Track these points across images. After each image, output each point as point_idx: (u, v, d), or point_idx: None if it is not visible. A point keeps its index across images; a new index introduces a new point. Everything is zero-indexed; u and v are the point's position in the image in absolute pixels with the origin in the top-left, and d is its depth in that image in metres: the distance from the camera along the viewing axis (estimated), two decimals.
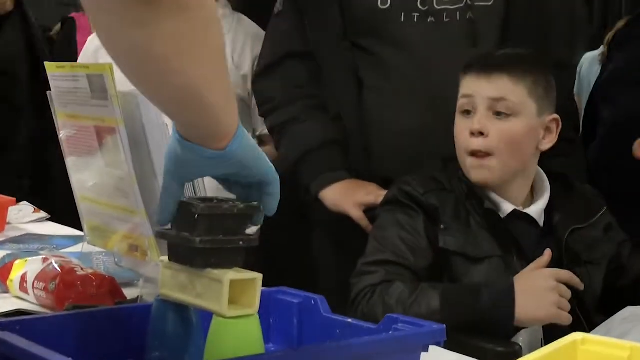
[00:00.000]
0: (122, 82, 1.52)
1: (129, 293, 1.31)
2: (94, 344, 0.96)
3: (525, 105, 1.55)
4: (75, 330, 0.95)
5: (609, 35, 2.57)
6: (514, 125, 1.54)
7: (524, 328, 1.46)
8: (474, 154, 1.55)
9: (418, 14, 1.76)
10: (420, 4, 1.76)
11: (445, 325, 0.98)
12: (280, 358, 0.92)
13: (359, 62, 1.82)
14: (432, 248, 1.54)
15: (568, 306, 1.43)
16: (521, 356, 0.82)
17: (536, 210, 1.59)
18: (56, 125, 1.33)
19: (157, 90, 0.83)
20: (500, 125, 1.53)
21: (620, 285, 1.62)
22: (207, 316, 0.92)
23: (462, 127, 1.57)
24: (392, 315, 1.01)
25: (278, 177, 0.93)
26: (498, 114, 1.54)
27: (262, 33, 2.06)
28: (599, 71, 2.53)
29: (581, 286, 1.49)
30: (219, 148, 0.86)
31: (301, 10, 1.87)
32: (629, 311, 1.42)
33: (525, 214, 1.58)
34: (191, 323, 0.94)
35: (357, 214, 1.77)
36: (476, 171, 1.55)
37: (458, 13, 1.75)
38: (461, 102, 1.58)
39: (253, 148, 0.91)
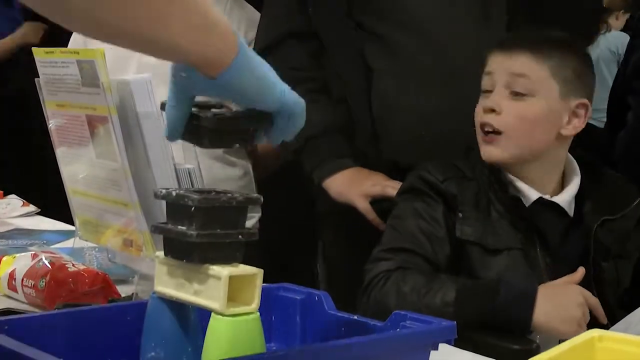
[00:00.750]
0: (114, 69, 1.48)
1: (123, 290, 1.30)
2: (87, 345, 0.94)
3: (546, 85, 1.52)
4: (66, 330, 0.93)
5: (633, 24, 2.55)
6: (529, 105, 1.51)
7: None
8: (485, 131, 1.53)
9: None
10: None
11: (455, 323, 0.95)
12: (281, 358, 0.89)
13: (364, 43, 1.78)
14: (451, 238, 1.52)
15: (585, 327, 1.39)
16: (537, 354, 0.79)
17: (564, 199, 1.55)
18: (45, 115, 1.30)
19: (115, 36, 0.82)
20: (515, 104, 1.52)
21: None
22: (205, 314, 0.89)
23: (479, 106, 1.57)
24: (400, 312, 0.98)
25: (300, 109, 0.94)
26: (515, 94, 1.52)
27: (258, 16, 2.02)
28: (623, 58, 2.49)
29: (605, 320, 1.45)
30: (210, 76, 0.85)
31: None
32: None
33: (553, 202, 1.54)
34: (188, 321, 0.92)
35: (363, 205, 1.74)
36: (486, 148, 1.53)
37: None
38: (483, 81, 1.57)
39: (258, 79, 0.89)
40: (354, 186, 1.76)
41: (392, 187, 1.70)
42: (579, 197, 1.56)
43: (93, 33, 0.83)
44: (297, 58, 1.82)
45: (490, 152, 1.52)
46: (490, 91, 1.54)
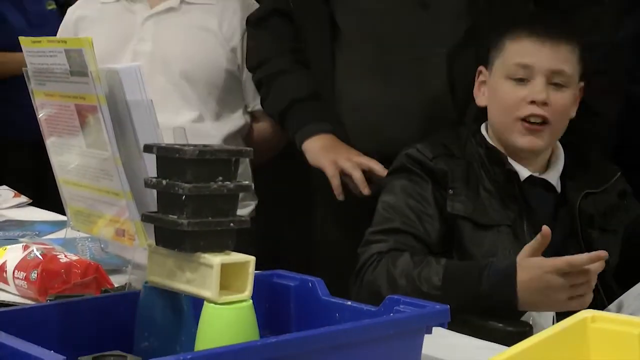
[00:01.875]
0: (108, 59, 1.48)
1: (117, 280, 1.29)
2: (79, 336, 0.93)
3: (575, 75, 1.57)
4: (59, 322, 0.92)
5: None
6: (567, 95, 1.56)
7: None
8: (529, 121, 1.53)
9: None
10: None
11: (449, 306, 0.95)
12: (275, 345, 0.88)
13: (332, 31, 1.83)
14: (441, 215, 1.53)
15: (587, 289, 1.36)
16: (531, 335, 0.79)
17: (553, 176, 1.59)
18: (34, 105, 1.29)
19: None
20: (558, 96, 1.55)
21: (637, 257, 1.59)
22: (197, 303, 0.89)
23: (515, 95, 1.55)
24: (394, 297, 0.98)
25: None
26: (555, 84, 1.55)
27: (253, 3, 2.04)
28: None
29: (592, 260, 1.38)
30: None
31: None
32: None
33: (543, 179, 1.58)
34: (181, 310, 0.92)
35: (331, 171, 1.75)
36: (528, 138, 1.54)
37: None
38: (512, 70, 1.55)
39: None
40: (328, 152, 1.77)
41: (364, 164, 1.72)
42: (563, 176, 1.60)
43: None
44: (285, 31, 1.88)
45: (533, 142, 1.54)
46: (524, 79, 1.54)
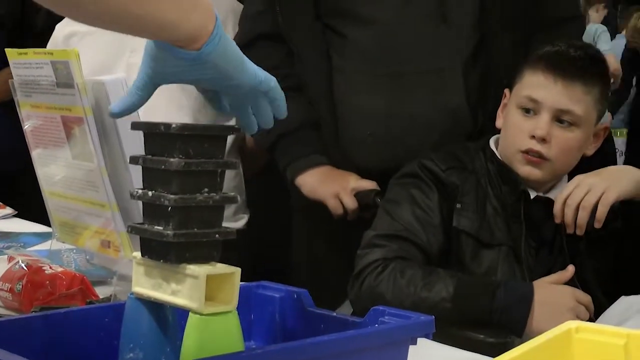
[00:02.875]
0: (101, 71, 1.47)
1: (102, 292, 1.28)
2: (65, 348, 0.93)
3: (589, 116, 1.54)
4: (44, 333, 0.92)
5: None
6: (575, 136, 1.53)
7: None
8: (530, 154, 1.52)
9: None
10: None
11: (434, 317, 0.95)
12: (261, 356, 0.89)
13: (330, 44, 1.78)
14: (444, 227, 1.52)
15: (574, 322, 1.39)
16: (514, 347, 0.79)
17: (555, 194, 1.56)
18: (20, 117, 1.29)
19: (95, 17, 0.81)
20: (562, 135, 1.52)
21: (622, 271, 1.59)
22: (183, 314, 0.89)
23: (520, 126, 1.54)
24: (379, 308, 0.98)
25: (274, 81, 0.94)
26: (561, 121, 1.52)
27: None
28: None
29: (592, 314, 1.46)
30: (193, 49, 0.85)
31: None
32: (625, 302, 1.39)
33: (548, 199, 1.56)
34: (167, 321, 0.91)
35: (333, 205, 1.74)
36: (528, 168, 1.53)
37: None
38: (523, 101, 1.54)
39: (234, 53, 0.89)
40: (327, 184, 1.76)
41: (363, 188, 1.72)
42: None
43: (74, 12, 0.82)
44: (271, 57, 1.81)
45: (531, 172, 1.53)
46: (530, 110, 1.53)
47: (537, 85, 1.53)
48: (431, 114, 1.66)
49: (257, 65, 0.97)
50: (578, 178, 1.50)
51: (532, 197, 1.55)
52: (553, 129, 1.51)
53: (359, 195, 1.74)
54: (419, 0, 1.70)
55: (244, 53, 1.88)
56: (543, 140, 1.51)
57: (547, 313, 1.41)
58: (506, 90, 1.61)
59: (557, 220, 1.50)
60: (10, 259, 1.32)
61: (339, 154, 1.79)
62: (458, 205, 1.53)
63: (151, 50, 0.86)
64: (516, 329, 1.41)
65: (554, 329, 0.82)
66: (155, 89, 0.89)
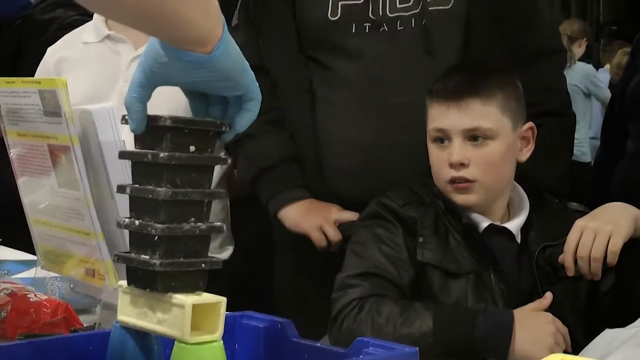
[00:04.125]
0: (95, 98, 1.46)
1: (86, 320, 1.28)
2: None
3: (500, 125, 1.53)
4: None
5: (634, 46, 2.40)
6: (492, 149, 1.52)
7: None
8: (456, 182, 1.53)
9: (369, 24, 1.72)
10: (372, 13, 1.72)
11: (418, 349, 0.95)
12: None
13: (313, 76, 1.79)
14: (412, 261, 1.53)
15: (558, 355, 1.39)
16: None
17: (514, 225, 1.57)
18: (6, 144, 1.29)
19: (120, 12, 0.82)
20: (479, 152, 1.52)
21: (599, 303, 1.59)
22: (168, 343, 0.89)
23: (438, 158, 1.55)
24: (363, 339, 0.97)
25: (260, 95, 0.95)
26: (474, 138, 1.52)
27: None
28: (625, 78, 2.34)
29: (569, 348, 1.46)
30: (204, 52, 0.86)
31: (256, 24, 1.83)
32: (608, 335, 1.39)
33: (504, 228, 1.57)
34: (152, 350, 0.91)
35: (317, 237, 1.75)
36: (461, 197, 1.54)
37: (413, 20, 1.71)
38: (433, 134, 1.56)
39: (239, 58, 0.90)
40: (310, 217, 1.76)
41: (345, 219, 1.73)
42: (524, 227, 1.58)
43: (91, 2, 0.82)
44: None
45: (465, 199, 1.53)
46: (442, 139, 1.54)
47: (438, 116, 1.54)
48: (416, 146, 1.67)
49: None
50: (580, 224, 1.50)
51: (485, 226, 1.55)
52: (467, 151, 1.52)
53: (342, 226, 1.74)
54: (405, 34, 1.71)
55: None
56: (461, 165, 1.51)
57: (530, 337, 1.42)
58: None
59: (570, 274, 1.50)
60: None
61: (321, 185, 1.80)
62: (420, 239, 1.53)
63: (153, 52, 0.87)
64: (499, 354, 1.41)
65: None
66: (151, 91, 0.89)
